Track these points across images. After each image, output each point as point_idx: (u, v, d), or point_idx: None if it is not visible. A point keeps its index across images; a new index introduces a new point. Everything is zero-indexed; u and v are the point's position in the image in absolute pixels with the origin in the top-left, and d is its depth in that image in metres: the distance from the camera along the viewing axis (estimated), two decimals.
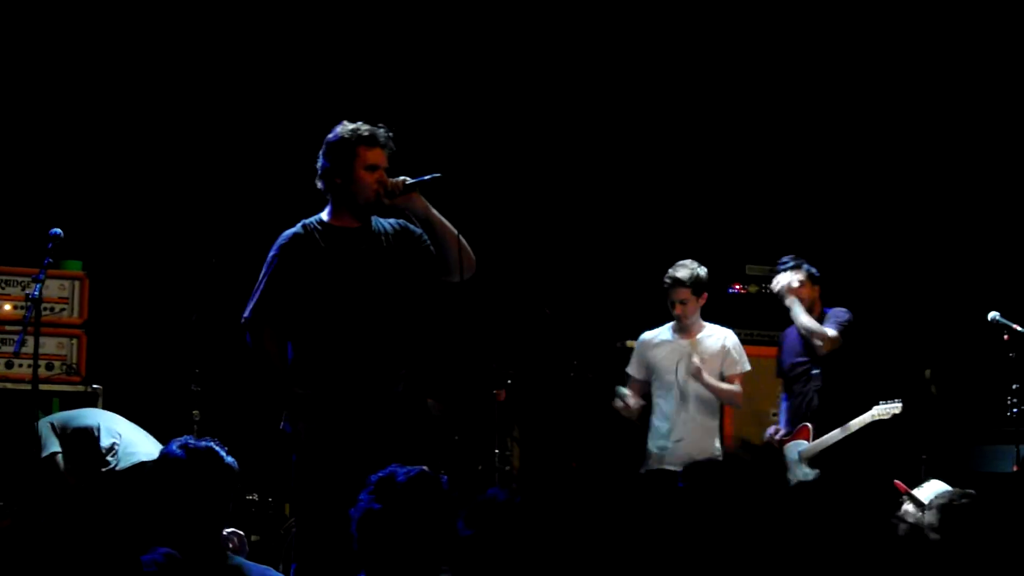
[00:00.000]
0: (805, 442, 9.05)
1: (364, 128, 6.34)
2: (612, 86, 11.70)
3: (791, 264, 9.19)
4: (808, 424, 9.04)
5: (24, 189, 9.89)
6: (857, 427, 9.09)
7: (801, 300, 8.99)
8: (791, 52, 11.85)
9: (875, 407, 9.01)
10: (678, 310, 8.64)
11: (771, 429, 9.09)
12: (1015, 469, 9.11)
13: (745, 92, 11.91)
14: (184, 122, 10.55)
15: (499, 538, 3.65)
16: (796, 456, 8.99)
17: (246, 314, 6.27)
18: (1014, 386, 8.92)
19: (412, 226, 6.46)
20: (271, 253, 6.31)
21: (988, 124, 11.74)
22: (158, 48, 10.47)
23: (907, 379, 9.77)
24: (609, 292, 11.13)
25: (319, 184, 6.36)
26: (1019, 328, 8.89)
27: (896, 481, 6.00)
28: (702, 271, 8.62)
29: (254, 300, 6.27)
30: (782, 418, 9.16)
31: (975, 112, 11.77)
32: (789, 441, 9.05)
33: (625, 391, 8.72)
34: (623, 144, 11.67)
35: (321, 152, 6.34)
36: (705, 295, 8.71)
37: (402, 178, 6.37)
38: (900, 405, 8.93)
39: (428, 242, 6.46)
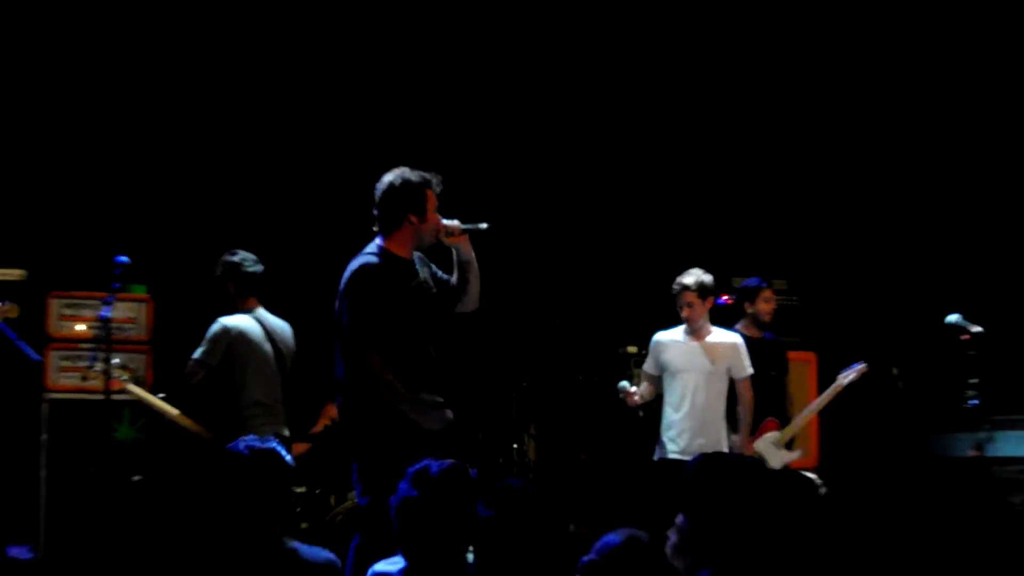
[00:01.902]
0: (776, 432, 9.10)
1: (428, 173, 6.41)
2: (610, 122, 11.68)
3: (757, 284, 9.30)
4: (772, 418, 9.14)
5: (93, 220, 9.92)
6: (828, 399, 9.25)
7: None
8: (759, 83, 11.83)
9: (839, 377, 9.26)
10: (686, 312, 8.56)
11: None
12: (971, 454, 9.15)
13: (717, 129, 11.88)
14: (238, 155, 10.59)
15: (514, 519, 3.71)
16: (770, 446, 9.04)
17: (358, 342, 6.19)
18: (971, 380, 8.96)
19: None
20: (362, 283, 6.22)
21: (948, 133, 11.68)
22: (218, 83, 10.54)
23: (877, 376, 9.79)
24: (611, 306, 11.16)
25: (386, 219, 6.36)
26: (977, 329, 8.90)
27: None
28: (707, 278, 8.58)
29: (363, 327, 6.18)
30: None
31: (932, 120, 11.70)
32: (756, 439, 9.08)
33: (624, 384, 8.67)
34: (619, 176, 11.68)
35: (391, 191, 6.33)
36: (711, 299, 8.64)
37: (455, 221, 6.47)
38: (863, 364, 9.12)
39: (442, 275, 6.64)
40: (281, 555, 4.71)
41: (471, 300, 6.67)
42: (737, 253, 10.93)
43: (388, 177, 6.41)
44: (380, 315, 6.22)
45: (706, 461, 4.60)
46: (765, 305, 9.32)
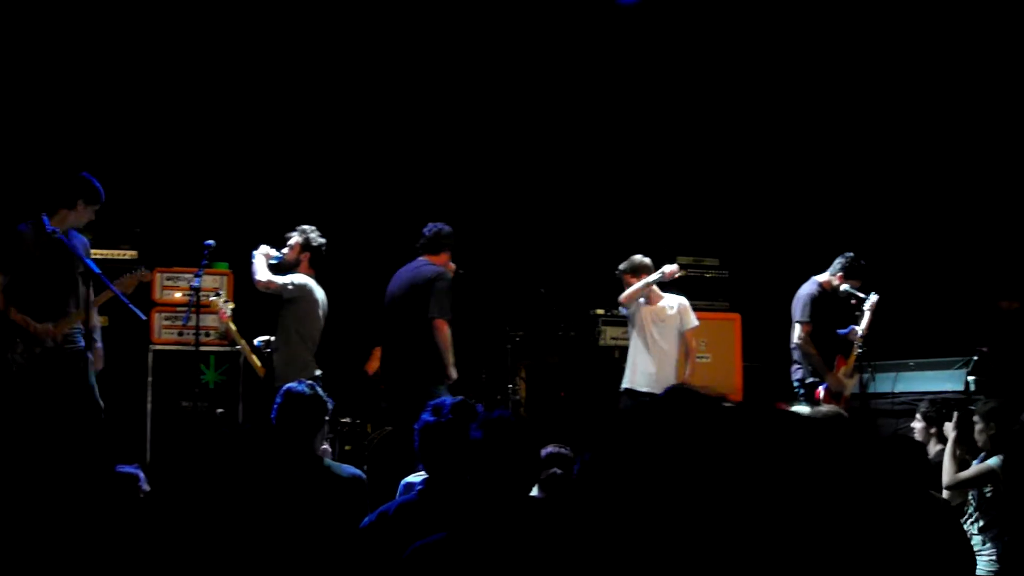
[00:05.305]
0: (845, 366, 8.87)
1: None
2: (588, 139, 11.43)
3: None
4: (840, 355, 8.87)
5: (187, 212, 9.81)
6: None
7: None
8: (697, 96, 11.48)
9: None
10: (625, 287, 8.52)
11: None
12: (859, 390, 9.04)
13: (666, 144, 11.61)
14: (296, 169, 10.42)
15: (496, 440, 3.58)
16: (845, 377, 8.82)
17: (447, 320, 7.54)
18: (860, 333, 8.87)
19: None
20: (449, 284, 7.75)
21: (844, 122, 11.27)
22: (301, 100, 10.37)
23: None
24: (583, 277, 11.00)
25: (435, 248, 7.76)
26: (862, 295, 8.80)
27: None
28: (637, 259, 8.55)
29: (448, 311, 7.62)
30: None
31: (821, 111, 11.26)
32: (837, 371, 8.83)
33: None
34: (589, 182, 11.51)
35: (442, 232, 7.79)
36: (643, 275, 8.50)
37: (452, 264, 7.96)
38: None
39: None
40: (318, 470, 4.81)
41: None
42: (678, 237, 10.75)
43: (440, 224, 7.82)
44: None
45: (673, 392, 4.37)
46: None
